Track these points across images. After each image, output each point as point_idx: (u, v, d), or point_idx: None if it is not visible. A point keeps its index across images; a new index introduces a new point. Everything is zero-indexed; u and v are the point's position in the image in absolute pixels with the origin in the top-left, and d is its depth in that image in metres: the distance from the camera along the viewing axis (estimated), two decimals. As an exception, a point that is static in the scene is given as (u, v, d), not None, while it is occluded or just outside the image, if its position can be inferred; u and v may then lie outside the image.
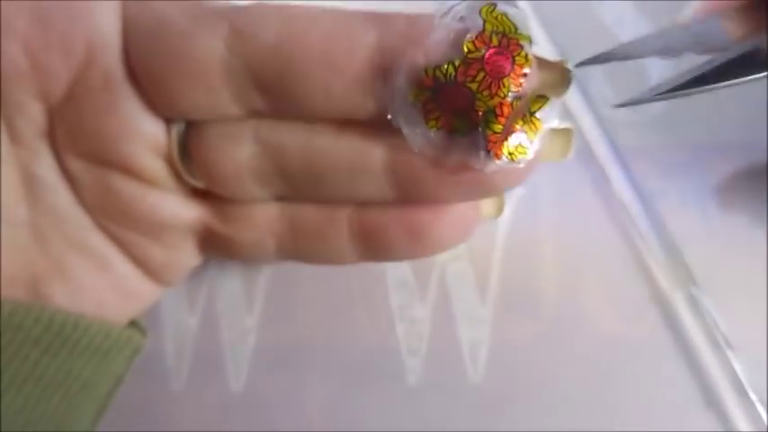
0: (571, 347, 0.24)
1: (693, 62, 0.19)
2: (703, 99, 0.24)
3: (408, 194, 0.18)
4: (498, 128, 0.16)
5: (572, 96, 0.24)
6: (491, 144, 0.16)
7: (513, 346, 0.24)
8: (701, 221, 0.24)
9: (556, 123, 0.17)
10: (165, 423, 0.25)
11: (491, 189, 0.18)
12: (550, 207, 0.24)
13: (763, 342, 0.23)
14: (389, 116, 0.17)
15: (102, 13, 0.18)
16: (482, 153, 0.16)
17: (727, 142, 0.24)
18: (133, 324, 0.21)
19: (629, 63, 0.24)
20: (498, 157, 0.16)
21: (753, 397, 0.22)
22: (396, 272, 0.25)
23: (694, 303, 0.23)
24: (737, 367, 0.23)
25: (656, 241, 0.23)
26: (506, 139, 0.16)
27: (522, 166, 0.16)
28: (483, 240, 0.24)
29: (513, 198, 0.24)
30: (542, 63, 0.17)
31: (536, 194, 0.24)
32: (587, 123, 0.24)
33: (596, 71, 0.24)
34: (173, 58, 0.17)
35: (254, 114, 0.18)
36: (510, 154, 0.16)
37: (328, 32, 0.16)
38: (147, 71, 0.18)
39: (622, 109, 0.24)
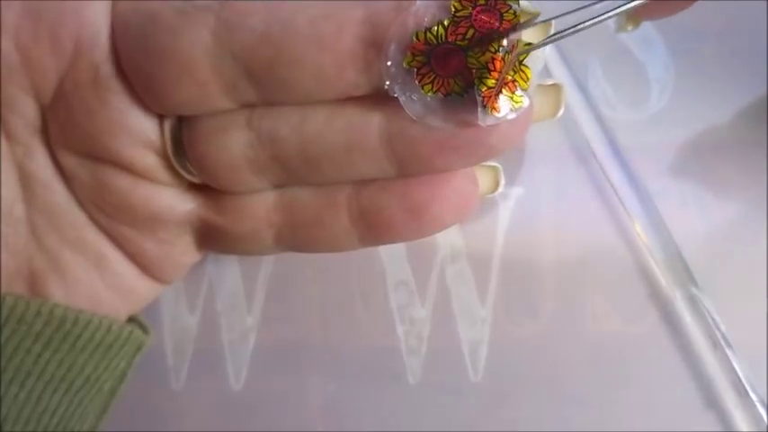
0: (571, 347, 0.24)
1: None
2: (703, 99, 0.24)
3: (407, 166, 0.18)
4: (492, 82, 0.16)
5: (572, 96, 0.24)
6: (486, 99, 0.16)
7: (513, 346, 0.24)
8: (701, 221, 0.24)
9: (541, 66, 0.17)
10: (165, 423, 0.25)
11: (490, 151, 0.18)
12: (550, 207, 0.24)
13: (763, 342, 0.23)
14: (386, 85, 0.17)
15: (91, 9, 0.18)
16: (480, 109, 0.16)
17: (727, 142, 0.24)
18: (136, 321, 0.21)
19: (629, 63, 0.24)
20: (497, 110, 0.16)
21: (753, 397, 0.22)
22: (396, 272, 0.25)
23: (694, 303, 0.23)
24: (737, 367, 0.23)
25: (656, 241, 0.23)
26: (500, 91, 0.16)
27: (520, 115, 0.17)
28: (483, 240, 0.24)
29: (512, 198, 0.24)
30: (524, 14, 0.17)
31: (536, 194, 0.24)
32: (587, 123, 0.24)
33: (596, 71, 0.24)
34: (161, 55, 0.17)
35: (246, 107, 0.18)
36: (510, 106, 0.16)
37: (315, 14, 0.16)
38: (136, 68, 0.18)
39: (622, 108, 0.24)
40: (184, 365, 0.25)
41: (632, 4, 0.16)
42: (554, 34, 0.16)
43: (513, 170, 0.24)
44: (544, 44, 0.16)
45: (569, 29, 0.16)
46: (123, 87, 0.18)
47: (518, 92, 0.17)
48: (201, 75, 0.17)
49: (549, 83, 0.20)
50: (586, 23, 0.16)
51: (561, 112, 0.20)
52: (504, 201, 0.24)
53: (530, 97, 0.17)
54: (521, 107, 0.17)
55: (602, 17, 0.16)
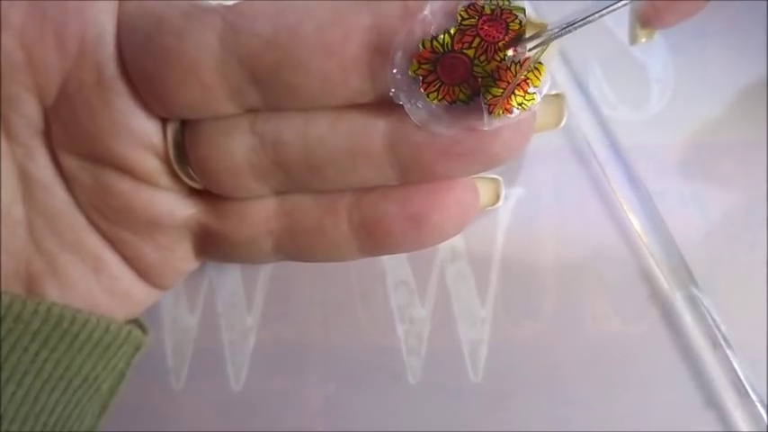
0: (571, 347, 0.24)
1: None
2: (703, 99, 0.24)
3: (410, 172, 0.18)
4: (498, 91, 0.16)
5: (572, 96, 0.24)
6: (491, 107, 0.16)
7: (513, 346, 0.24)
8: (701, 221, 0.24)
9: (554, 62, 0.18)
10: (165, 423, 0.25)
11: (493, 158, 0.18)
12: (550, 207, 0.24)
13: (763, 342, 0.23)
14: (391, 92, 0.17)
15: (96, 9, 0.18)
16: (486, 115, 0.16)
17: (727, 142, 0.24)
18: (135, 321, 0.21)
19: (630, 64, 0.24)
20: (509, 110, 0.16)
21: (753, 397, 0.22)
22: (396, 272, 0.25)
23: (694, 303, 0.23)
24: (737, 367, 0.23)
25: (656, 241, 0.23)
26: (509, 97, 0.16)
27: (523, 124, 0.17)
28: (483, 240, 0.24)
29: (512, 198, 0.24)
30: (530, 25, 0.17)
31: (536, 194, 0.24)
32: (587, 123, 0.24)
33: (596, 71, 0.24)
34: (166, 57, 0.17)
35: (250, 112, 0.18)
36: (519, 104, 0.17)
37: (322, 20, 0.16)
38: (141, 69, 0.18)
39: (623, 109, 0.24)
40: (184, 365, 0.25)
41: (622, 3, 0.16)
42: (553, 31, 0.16)
43: (513, 170, 0.24)
44: (543, 42, 0.16)
45: (564, 27, 0.16)
46: (127, 89, 0.18)
47: (530, 89, 0.17)
48: (206, 78, 0.17)
49: (552, 93, 0.20)
50: (582, 22, 0.16)
51: (564, 122, 0.20)
52: (504, 201, 0.24)
53: (541, 94, 0.17)
54: (533, 104, 0.17)
55: (598, 14, 0.16)
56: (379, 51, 0.16)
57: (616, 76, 0.24)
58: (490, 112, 0.16)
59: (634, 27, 0.21)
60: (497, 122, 0.17)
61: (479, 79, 0.16)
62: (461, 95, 0.17)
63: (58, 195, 0.19)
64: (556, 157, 0.24)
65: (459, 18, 0.16)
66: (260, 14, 0.17)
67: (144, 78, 0.18)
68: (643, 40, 0.21)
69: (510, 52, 0.16)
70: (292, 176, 0.19)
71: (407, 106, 0.17)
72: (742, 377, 0.23)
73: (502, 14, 0.16)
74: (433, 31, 0.16)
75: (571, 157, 0.24)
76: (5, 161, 0.19)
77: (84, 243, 0.20)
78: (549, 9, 0.24)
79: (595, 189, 0.24)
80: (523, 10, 0.16)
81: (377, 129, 0.18)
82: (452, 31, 0.16)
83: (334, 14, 0.17)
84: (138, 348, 0.21)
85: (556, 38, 0.16)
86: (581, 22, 0.16)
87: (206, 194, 0.20)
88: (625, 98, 0.24)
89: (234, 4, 0.17)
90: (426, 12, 0.16)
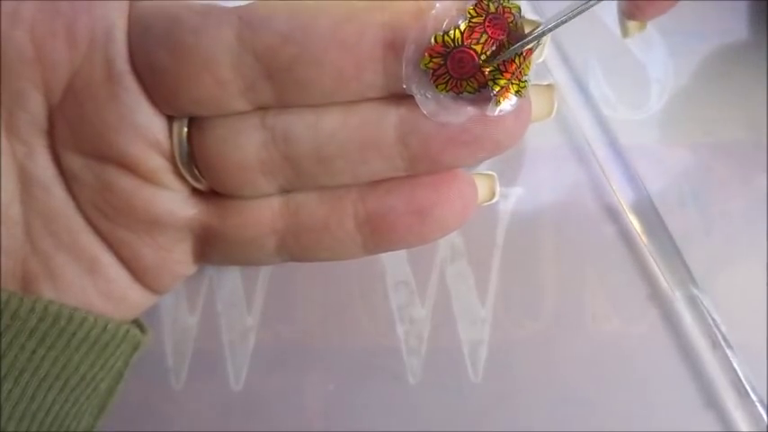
0: (571, 347, 0.24)
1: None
2: (703, 99, 0.24)
3: (419, 162, 0.19)
4: (503, 82, 0.17)
5: (572, 96, 0.24)
6: (497, 97, 0.17)
7: (513, 346, 0.24)
8: (701, 221, 0.24)
9: (541, 56, 0.19)
10: (165, 423, 0.25)
11: (496, 146, 0.19)
12: (550, 207, 0.24)
13: (763, 342, 0.23)
14: (403, 84, 0.17)
15: (107, 7, 0.18)
16: (492, 104, 0.18)
17: (727, 142, 0.24)
18: (133, 320, 0.21)
19: (629, 63, 0.24)
20: (509, 98, 0.18)
21: (753, 397, 0.22)
22: (396, 272, 0.25)
23: (694, 303, 0.23)
24: (737, 367, 0.23)
25: (656, 241, 0.23)
26: (509, 87, 0.18)
27: (521, 113, 0.18)
28: (483, 240, 0.24)
29: (512, 198, 0.24)
30: (527, 22, 0.18)
31: (536, 194, 0.24)
32: (587, 123, 0.24)
33: (596, 71, 0.24)
34: (183, 53, 0.17)
35: (260, 109, 0.18)
36: (517, 92, 0.18)
37: (338, 17, 0.17)
38: (153, 65, 0.18)
39: (622, 109, 0.24)
40: (184, 365, 0.25)
41: None
42: (542, 28, 0.17)
43: (513, 170, 0.24)
44: (535, 38, 0.17)
45: (556, 22, 0.17)
46: (135, 85, 0.18)
47: (523, 78, 0.18)
48: (222, 73, 0.17)
49: (544, 84, 0.21)
50: (573, 13, 0.17)
51: (555, 111, 0.21)
52: (504, 201, 0.24)
53: (531, 81, 0.18)
54: (527, 90, 0.18)
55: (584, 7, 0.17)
56: (393, 47, 0.17)
57: (616, 76, 0.24)
58: (497, 102, 0.17)
59: (623, 20, 0.22)
60: (500, 111, 0.18)
61: (486, 72, 0.17)
62: (468, 88, 0.17)
63: (56, 196, 0.19)
64: (555, 156, 0.24)
65: (469, 15, 0.17)
66: (276, 11, 0.17)
67: (156, 74, 0.18)
68: (635, 32, 0.22)
69: (512, 47, 0.17)
70: (302, 172, 0.19)
71: (418, 97, 0.18)
72: (742, 377, 0.23)
73: (503, 13, 0.17)
74: (444, 26, 0.17)
75: (571, 156, 0.24)
76: (5, 159, 0.19)
77: (81, 244, 0.20)
78: (549, 9, 0.24)
79: (595, 189, 0.24)
80: (518, 8, 0.18)
81: (389, 121, 0.18)
82: (462, 27, 0.17)
83: (348, 11, 0.17)
84: (136, 348, 0.21)
85: (550, 31, 0.17)
86: (572, 14, 0.17)
87: (209, 195, 0.20)
88: (625, 98, 0.24)
89: (249, 4, 0.18)
90: (439, 7, 0.17)
